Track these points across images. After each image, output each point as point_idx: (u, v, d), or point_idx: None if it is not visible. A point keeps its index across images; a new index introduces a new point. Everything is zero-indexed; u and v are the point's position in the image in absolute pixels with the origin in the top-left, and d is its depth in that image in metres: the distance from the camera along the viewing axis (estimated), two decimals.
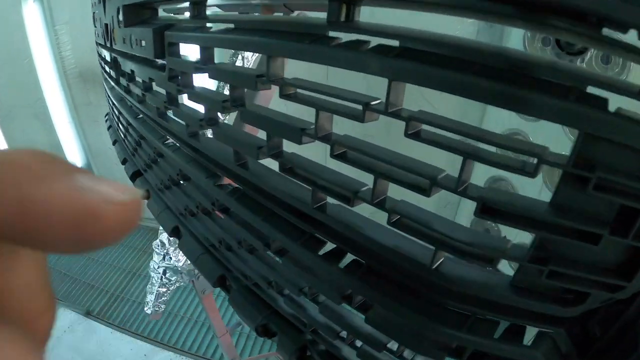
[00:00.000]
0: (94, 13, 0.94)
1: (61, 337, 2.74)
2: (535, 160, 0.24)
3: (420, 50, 0.27)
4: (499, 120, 1.83)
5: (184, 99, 0.53)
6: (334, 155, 0.32)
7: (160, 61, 0.58)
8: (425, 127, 0.29)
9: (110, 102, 1.14)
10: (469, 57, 0.25)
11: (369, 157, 0.30)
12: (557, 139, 1.55)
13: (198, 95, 0.43)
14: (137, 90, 0.68)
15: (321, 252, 0.40)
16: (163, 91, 0.57)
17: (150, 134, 0.70)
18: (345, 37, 0.31)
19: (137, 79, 0.69)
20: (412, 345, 0.34)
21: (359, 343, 0.44)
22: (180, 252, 1.46)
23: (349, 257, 0.38)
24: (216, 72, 0.39)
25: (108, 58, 0.91)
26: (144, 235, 3.45)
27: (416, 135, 0.29)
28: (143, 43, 0.54)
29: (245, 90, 0.38)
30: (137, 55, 0.60)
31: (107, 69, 1.01)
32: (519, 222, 0.26)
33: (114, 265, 3.27)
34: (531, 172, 0.24)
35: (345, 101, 0.30)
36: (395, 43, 0.29)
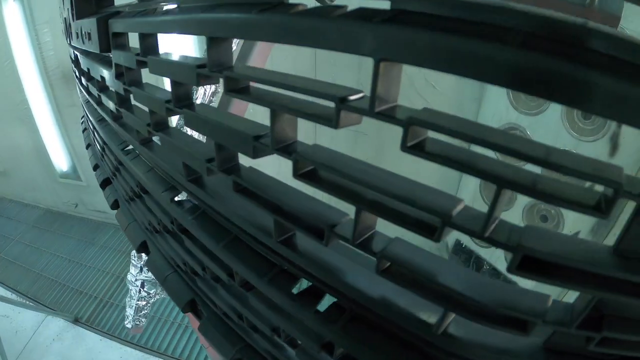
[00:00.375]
0: (59, 8, 0.86)
1: (50, 345, 2.64)
2: (609, 191, 0.15)
3: (423, 13, 0.18)
4: (496, 113, 1.73)
5: None
6: (298, 175, 0.23)
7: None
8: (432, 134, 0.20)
9: (82, 104, 1.05)
10: (501, 21, 0.16)
11: (349, 179, 0.21)
12: (557, 134, 1.48)
13: (140, 95, 0.35)
14: (94, 91, 0.60)
15: (295, 290, 0.32)
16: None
17: (109, 139, 0.62)
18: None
19: (94, 77, 0.61)
20: None
21: None
22: None
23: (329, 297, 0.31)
24: (154, 65, 0.31)
25: (72, 56, 0.82)
26: None
27: (419, 149, 0.19)
28: (92, 36, 0.46)
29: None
30: (88, 50, 0.52)
31: (73, 67, 0.92)
32: (571, 279, 0.17)
33: (102, 270, 3.16)
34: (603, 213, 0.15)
35: (317, 97, 0.22)
36: (385, 5, 0.19)
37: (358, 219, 0.23)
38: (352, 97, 0.20)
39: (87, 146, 1.07)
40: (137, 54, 0.33)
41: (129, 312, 1.45)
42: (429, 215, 0.20)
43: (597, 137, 1.48)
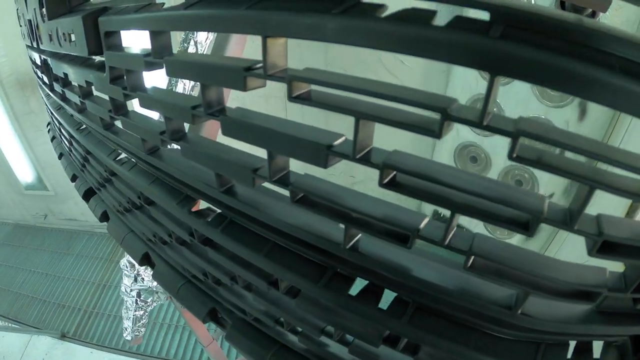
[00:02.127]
0: (17, 10, 0.77)
1: None
2: None
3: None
4: (465, 85, 1.71)
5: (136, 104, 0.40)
6: (384, 184, 0.21)
7: (98, 58, 0.44)
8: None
9: (49, 111, 0.96)
10: None
11: (438, 183, 0.20)
12: (527, 102, 1.50)
13: (151, 101, 0.30)
14: (74, 98, 0.54)
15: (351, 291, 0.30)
16: (107, 96, 0.44)
17: (97, 148, 0.56)
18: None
19: (73, 83, 0.54)
20: None
21: None
22: None
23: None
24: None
25: (38, 61, 0.74)
26: (108, 243, 3.21)
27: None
28: (73, 37, 0.40)
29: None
30: (68, 54, 0.46)
31: (39, 73, 0.83)
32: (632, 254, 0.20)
33: (82, 280, 3.01)
34: None
35: (419, 107, 0.20)
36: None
37: (451, 222, 0.22)
38: (453, 107, 0.19)
39: (60, 156, 0.99)
40: (147, 55, 0.28)
41: (127, 324, 1.38)
42: (520, 213, 0.20)
43: (566, 103, 1.51)
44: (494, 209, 0.21)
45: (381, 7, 0.19)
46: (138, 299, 1.30)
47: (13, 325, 2.78)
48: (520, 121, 0.19)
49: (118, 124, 0.47)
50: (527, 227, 0.20)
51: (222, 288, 0.45)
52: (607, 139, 1.44)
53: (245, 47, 1.13)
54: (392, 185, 0.22)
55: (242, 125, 0.24)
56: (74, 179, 0.90)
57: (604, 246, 0.20)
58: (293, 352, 0.43)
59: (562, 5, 0.97)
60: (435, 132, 0.19)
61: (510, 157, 0.19)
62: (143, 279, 1.25)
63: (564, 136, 0.18)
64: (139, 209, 0.55)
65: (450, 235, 0.22)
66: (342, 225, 0.26)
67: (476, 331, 0.26)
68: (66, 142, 0.85)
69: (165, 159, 0.37)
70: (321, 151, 0.22)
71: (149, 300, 1.31)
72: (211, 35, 0.90)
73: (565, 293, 0.23)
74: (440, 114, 0.19)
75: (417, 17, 0.18)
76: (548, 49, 0.17)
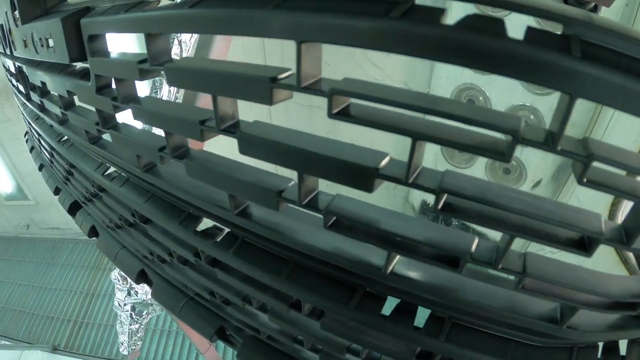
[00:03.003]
0: None
1: None
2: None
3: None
4: (451, 74, 1.69)
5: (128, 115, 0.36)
6: (440, 209, 0.19)
7: (79, 65, 0.39)
8: None
9: (26, 121, 0.90)
10: None
11: (495, 206, 0.19)
12: (513, 91, 1.49)
13: (149, 114, 0.26)
14: (54, 109, 0.49)
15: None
16: (92, 107, 0.39)
17: (82, 162, 0.51)
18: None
19: (52, 92, 0.49)
20: None
21: None
22: None
23: None
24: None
25: (12, 69, 0.68)
26: (93, 250, 3.10)
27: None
28: (51, 43, 0.36)
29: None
30: (46, 61, 0.41)
31: (13, 82, 0.77)
32: None
33: (69, 290, 2.91)
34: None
35: (492, 130, 0.17)
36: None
37: (508, 245, 0.20)
38: (522, 127, 0.17)
39: (40, 167, 0.93)
40: (142, 61, 0.24)
41: (123, 338, 1.31)
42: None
43: (552, 91, 1.51)
44: (551, 230, 0.19)
45: (441, 11, 0.16)
46: (133, 313, 1.24)
47: (3, 342, 2.67)
48: (591, 143, 0.17)
49: (106, 136, 0.43)
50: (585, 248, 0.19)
51: (231, 307, 0.42)
52: (592, 124, 1.44)
53: (231, 45, 1.07)
54: (448, 210, 0.19)
55: (268, 145, 0.20)
56: (57, 191, 0.84)
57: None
58: None
59: (565, 0, 0.95)
60: (504, 155, 0.17)
61: (580, 182, 0.18)
62: (137, 292, 1.19)
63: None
64: (133, 227, 0.51)
65: (504, 257, 0.20)
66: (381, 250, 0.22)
67: (511, 342, 0.25)
68: (47, 154, 0.79)
69: (163, 176, 0.33)
70: (368, 175, 0.18)
71: (144, 314, 1.25)
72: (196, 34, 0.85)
73: (612, 305, 0.22)
74: (512, 137, 0.17)
75: (488, 28, 0.15)
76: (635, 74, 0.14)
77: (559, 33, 0.16)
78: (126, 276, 1.19)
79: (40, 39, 0.37)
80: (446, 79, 1.71)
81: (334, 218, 0.22)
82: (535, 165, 1.59)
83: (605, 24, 0.17)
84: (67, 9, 0.34)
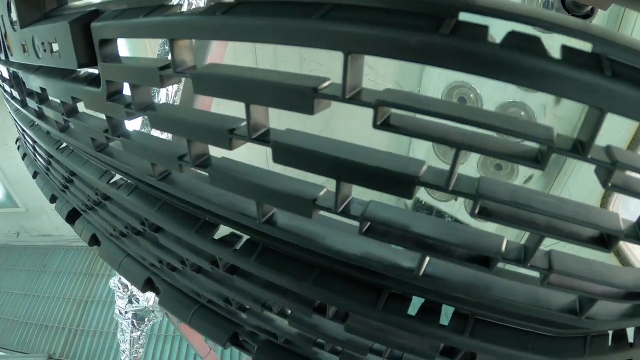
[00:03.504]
0: None
1: None
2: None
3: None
4: (442, 73, 1.70)
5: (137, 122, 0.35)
6: (477, 214, 0.19)
7: (84, 70, 0.38)
8: None
9: (19, 127, 0.87)
10: None
11: (526, 209, 0.20)
12: (504, 87, 1.51)
13: (171, 121, 0.25)
14: (55, 115, 0.47)
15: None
16: (97, 114, 0.37)
17: (85, 170, 0.50)
18: None
19: (51, 99, 0.47)
20: None
21: None
22: None
23: None
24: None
25: (5, 74, 0.65)
26: (85, 257, 3.05)
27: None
28: (55, 47, 0.34)
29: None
30: (46, 66, 0.39)
31: (6, 87, 0.74)
32: None
33: (62, 297, 2.85)
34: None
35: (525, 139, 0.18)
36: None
37: (536, 244, 0.21)
38: (555, 137, 0.18)
39: (35, 175, 0.91)
40: (165, 67, 0.22)
41: (125, 347, 1.28)
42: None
43: None
44: (574, 228, 0.21)
45: (485, 29, 0.16)
46: (134, 320, 1.21)
47: None
48: (615, 151, 0.18)
49: (113, 144, 0.41)
50: (604, 244, 0.21)
51: (247, 313, 0.40)
52: (580, 121, 1.46)
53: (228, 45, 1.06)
54: (483, 213, 0.20)
55: (306, 154, 0.19)
56: (53, 199, 0.82)
57: None
58: None
59: (563, 2, 0.96)
60: (539, 163, 0.19)
61: (604, 186, 0.19)
62: (138, 298, 1.17)
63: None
64: (140, 235, 0.49)
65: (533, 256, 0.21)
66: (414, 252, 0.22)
67: (531, 334, 0.27)
68: (42, 161, 0.76)
69: (180, 184, 0.31)
70: (409, 182, 0.18)
71: (145, 320, 1.22)
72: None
73: (626, 295, 0.24)
74: (547, 147, 0.18)
75: (531, 47, 0.16)
76: None
77: (589, 52, 0.17)
78: (127, 283, 1.16)
79: (42, 43, 0.35)
80: (437, 77, 1.72)
81: (369, 224, 0.22)
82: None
83: (628, 42, 0.17)
84: (72, 12, 0.33)
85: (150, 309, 1.18)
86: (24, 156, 1.01)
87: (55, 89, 0.40)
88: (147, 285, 0.57)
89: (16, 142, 1.06)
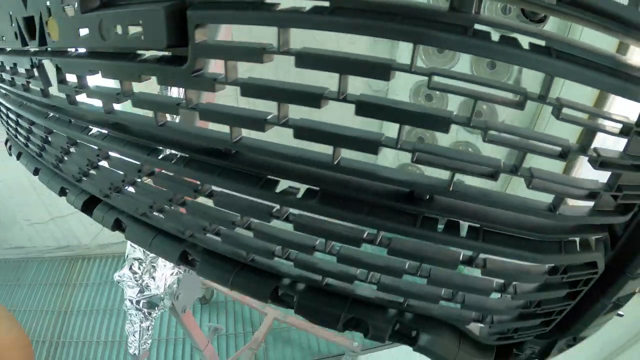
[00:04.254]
0: None
1: None
2: None
3: None
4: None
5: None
6: None
7: (149, 53, 0.43)
8: None
9: (18, 127, 0.88)
10: None
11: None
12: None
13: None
14: (103, 98, 0.51)
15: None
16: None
17: (131, 151, 0.54)
18: None
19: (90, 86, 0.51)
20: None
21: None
22: (156, 277, 1.22)
23: None
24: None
25: (28, 65, 0.66)
26: (60, 267, 2.94)
27: None
28: (131, 30, 0.39)
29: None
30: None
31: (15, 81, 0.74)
32: None
33: (40, 310, 2.72)
34: None
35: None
36: None
37: (521, 160, 0.32)
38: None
39: (36, 171, 0.91)
40: (267, 48, 0.29)
41: (133, 338, 1.27)
42: None
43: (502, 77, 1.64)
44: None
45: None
46: (145, 310, 1.21)
47: None
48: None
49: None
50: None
51: (294, 260, 0.46)
52: (540, 109, 1.60)
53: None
54: None
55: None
56: (63, 192, 0.83)
57: None
58: (364, 303, 0.46)
59: (523, 11, 1.11)
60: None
61: (558, 118, 0.29)
62: (149, 286, 1.17)
63: None
64: (182, 205, 0.54)
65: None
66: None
67: (523, 239, 0.36)
68: (55, 156, 0.78)
69: (253, 147, 0.38)
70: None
71: (156, 309, 1.23)
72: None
73: (586, 196, 0.34)
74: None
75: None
76: None
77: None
78: (137, 271, 1.17)
79: (115, 26, 0.40)
80: (406, 62, 1.82)
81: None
82: (490, 151, 1.75)
83: (563, 39, 0.28)
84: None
85: (162, 295, 1.20)
86: (19, 155, 1.01)
87: (121, 71, 0.44)
88: (182, 259, 0.61)
89: (6, 143, 1.05)
